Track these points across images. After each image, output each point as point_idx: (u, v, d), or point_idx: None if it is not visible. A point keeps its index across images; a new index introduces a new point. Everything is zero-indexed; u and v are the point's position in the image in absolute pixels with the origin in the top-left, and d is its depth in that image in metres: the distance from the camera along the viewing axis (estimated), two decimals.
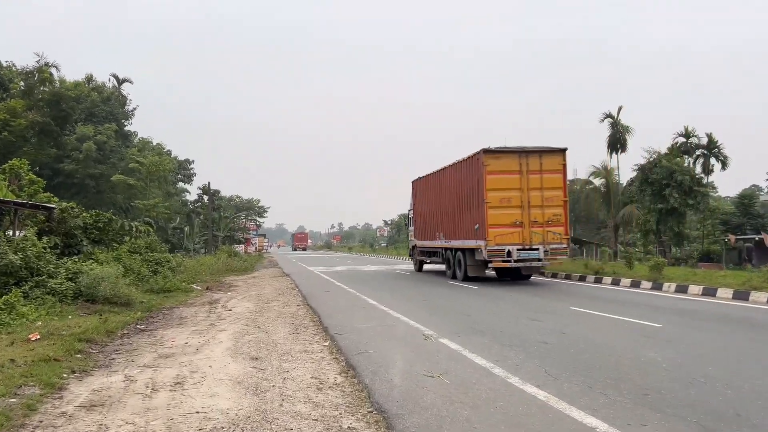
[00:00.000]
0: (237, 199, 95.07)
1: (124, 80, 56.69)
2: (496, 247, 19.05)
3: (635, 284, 18.25)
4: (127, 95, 56.11)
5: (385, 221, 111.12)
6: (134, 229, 19.68)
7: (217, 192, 63.07)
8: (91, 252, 17.99)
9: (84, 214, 18.61)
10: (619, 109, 49.71)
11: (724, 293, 14.94)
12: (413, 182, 28.69)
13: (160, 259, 22.04)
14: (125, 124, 52.75)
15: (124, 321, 12.08)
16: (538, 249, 19.16)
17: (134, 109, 55.87)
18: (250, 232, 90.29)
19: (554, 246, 19.43)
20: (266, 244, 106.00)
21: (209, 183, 55.04)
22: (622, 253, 39.11)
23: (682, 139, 50.37)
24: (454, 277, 22.35)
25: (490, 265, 20.36)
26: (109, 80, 54.92)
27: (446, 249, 23.56)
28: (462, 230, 21.45)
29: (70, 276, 14.02)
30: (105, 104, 45.84)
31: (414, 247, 29.24)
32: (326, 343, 9.56)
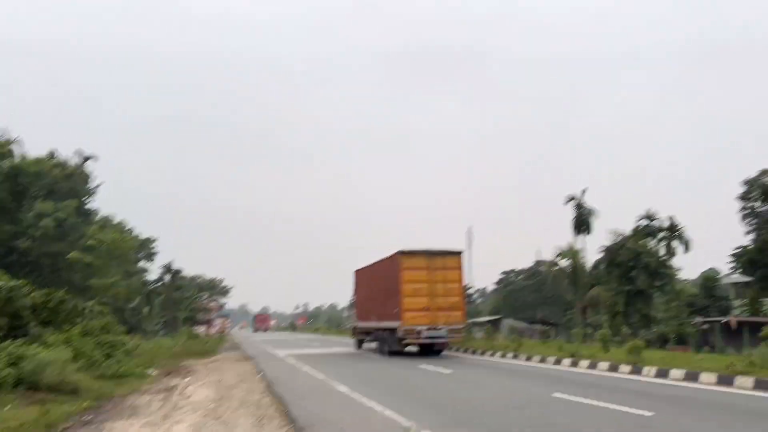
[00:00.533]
0: (200, 279, 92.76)
1: (89, 157, 55.91)
2: (409, 327, 23.70)
3: (614, 368, 17.66)
4: (91, 172, 55.23)
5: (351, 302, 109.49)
6: (88, 310, 18.53)
7: (179, 271, 61.40)
8: (39, 334, 16.72)
9: (34, 294, 17.45)
10: (583, 191, 50.49)
11: (708, 378, 14.42)
12: (355, 272, 33.07)
13: (115, 341, 20.72)
14: (87, 201, 51.56)
15: (69, 412, 10.94)
16: (442, 329, 23.94)
17: (98, 186, 54.77)
18: (213, 312, 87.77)
19: (455, 327, 24.50)
20: (229, 325, 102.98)
21: (171, 262, 53.63)
22: (590, 335, 38.74)
23: (646, 221, 51.19)
24: (382, 352, 26.45)
25: (405, 342, 24.55)
26: (74, 156, 54.18)
27: (377, 329, 27.88)
28: (387, 313, 25.67)
29: (12, 361, 12.82)
30: (67, 180, 44.85)
31: (355, 327, 33.47)
32: None
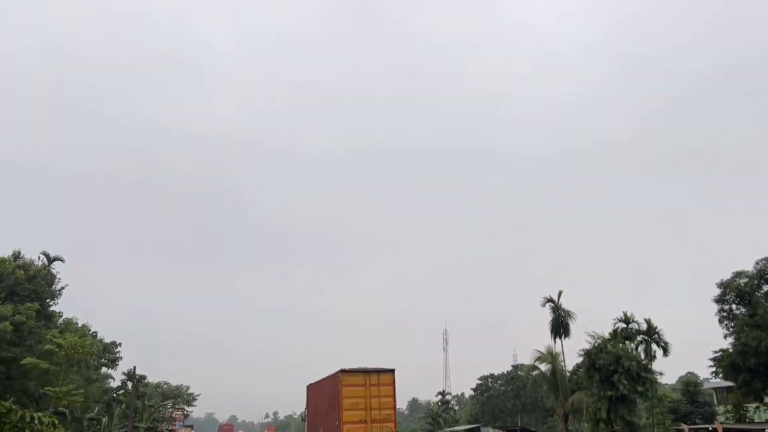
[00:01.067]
0: (165, 386, 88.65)
1: (55, 258, 54.44)
2: None
3: None
4: (56, 273, 53.61)
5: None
6: (37, 421, 16.99)
7: (143, 378, 58.45)
8: None
9: None
10: (560, 293, 50.33)
11: None
12: (307, 386, 36.14)
13: None
14: (51, 303, 49.60)
15: None
16: None
17: (62, 288, 53.03)
18: (177, 422, 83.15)
19: None
20: None
21: (134, 368, 51.06)
22: None
23: (623, 325, 50.77)
24: None
25: None
26: (39, 258, 52.72)
27: None
28: (330, 427, 28.86)
29: None
30: (29, 282, 43.18)
31: None
32: None
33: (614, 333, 45.81)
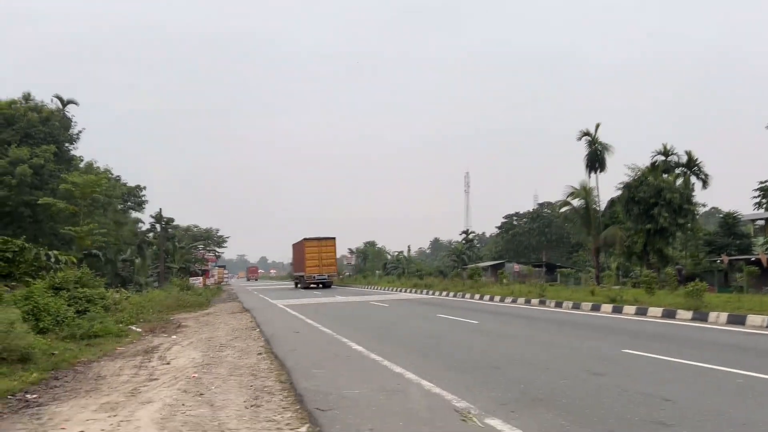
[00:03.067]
0: (194, 229, 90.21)
1: (69, 101, 52.29)
2: (309, 275, 47.41)
3: (670, 314, 15.20)
4: (72, 117, 51.80)
5: (350, 249, 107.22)
6: (54, 260, 15.86)
7: (171, 220, 58.58)
8: None
9: None
10: (597, 126, 47.42)
11: None
12: (293, 244, 57.57)
13: (92, 295, 18.16)
14: (69, 148, 48.33)
15: (5, 389, 8.40)
16: (325, 276, 47.95)
17: (80, 132, 51.42)
18: (209, 263, 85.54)
19: (332, 275, 49.33)
20: (226, 275, 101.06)
21: (161, 210, 50.84)
22: (602, 278, 36.61)
23: (662, 158, 48.35)
24: (296, 287, 52.47)
25: (308, 282, 47.45)
26: (52, 101, 50.63)
27: (298, 276, 52.68)
28: (300, 268, 50.32)
29: None
30: (44, 125, 41.50)
31: (293, 275, 62.30)
32: (303, 429, 6.08)
33: (652, 166, 43.65)
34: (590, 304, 18.60)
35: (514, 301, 23.00)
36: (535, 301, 21.77)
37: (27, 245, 15.45)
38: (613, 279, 35.23)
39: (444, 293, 31.75)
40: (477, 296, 26.76)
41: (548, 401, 6.77)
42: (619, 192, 41.73)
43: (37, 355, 10.66)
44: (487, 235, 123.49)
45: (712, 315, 13.94)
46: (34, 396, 8.42)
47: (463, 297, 28.10)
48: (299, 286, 51.05)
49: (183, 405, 7.39)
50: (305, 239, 49.15)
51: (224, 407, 7.20)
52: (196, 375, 9.53)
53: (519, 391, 7.37)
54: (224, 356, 11.62)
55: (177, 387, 8.63)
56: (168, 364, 11.02)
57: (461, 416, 6.20)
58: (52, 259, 15.87)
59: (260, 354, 11.71)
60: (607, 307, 17.70)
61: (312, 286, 47.67)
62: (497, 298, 24.72)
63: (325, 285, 48.06)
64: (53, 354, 11.54)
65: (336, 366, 9.70)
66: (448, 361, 9.72)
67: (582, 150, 48.39)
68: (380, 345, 11.97)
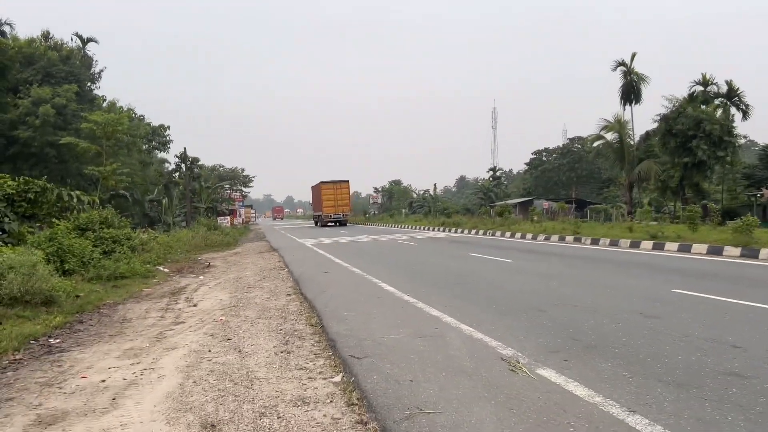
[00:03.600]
0: (220, 169, 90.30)
1: (89, 39, 51.59)
2: (326, 214, 52.42)
3: (715, 251, 14.41)
4: (93, 55, 51.14)
5: (375, 188, 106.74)
6: (76, 200, 15.53)
7: (196, 159, 58.38)
8: (19, 231, 13.87)
9: (9, 182, 14.40)
10: (633, 55, 45.43)
11: None
12: (312, 187, 60.77)
13: (118, 236, 17.95)
14: (92, 87, 47.85)
15: (27, 333, 8.10)
16: (340, 215, 52.67)
17: (101, 71, 50.88)
18: (236, 203, 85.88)
19: (346, 214, 53.42)
20: (253, 215, 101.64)
21: (185, 149, 50.53)
22: (645, 212, 35.61)
23: (700, 88, 46.23)
24: (317, 225, 56.72)
25: (326, 220, 52.43)
26: (72, 39, 49.89)
27: (317, 215, 57.10)
28: (319, 208, 55.25)
29: None
30: (64, 63, 40.89)
31: (313, 215, 65.06)
32: (337, 378, 5.61)
33: (690, 97, 41.77)
34: (629, 240, 17.84)
35: (547, 239, 22.34)
36: (569, 238, 21.08)
37: (49, 185, 15.10)
38: (650, 215, 34.23)
39: (473, 231, 31.16)
40: (508, 234, 26.13)
41: (603, 348, 6.19)
42: (655, 125, 40.17)
43: (61, 298, 10.38)
44: (514, 171, 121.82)
45: (764, 251, 13.14)
46: (57, 341, 8.12)
47: (493, 235, 27.49)
48: (318, 224, 56.43)
49: (209, 351, 7.00)
50: (322, 182, 53.62)
51: (252, 353, 6.78)
52: (223, 318, 9.15)
53: (568, 336, 6.80)
54: (252, 298, 11.26)
55: (203, 331, 8.25)
56: (195, 306, 10.70)
57: (509, 365, 5.66)
58: (75, 200, 15.54)
59: (289, 295, 11.32)
60: (647, 244, 16.95)
61: (330, 224, 52.58)
62: (529, 235, 24.07)
63: (341, 223, 53.13)
64: (78, 296, 11.30)
65: (368, 308, 9.23)
66: (486, 303, 9.17)
67: (615, 82, 46.61)
68: (413, 285, 11.49)
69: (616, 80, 46.48)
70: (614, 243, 18.38)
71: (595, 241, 19.33)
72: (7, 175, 14.84)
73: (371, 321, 8.17)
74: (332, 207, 52.34)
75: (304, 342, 7.25)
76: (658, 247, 16.41)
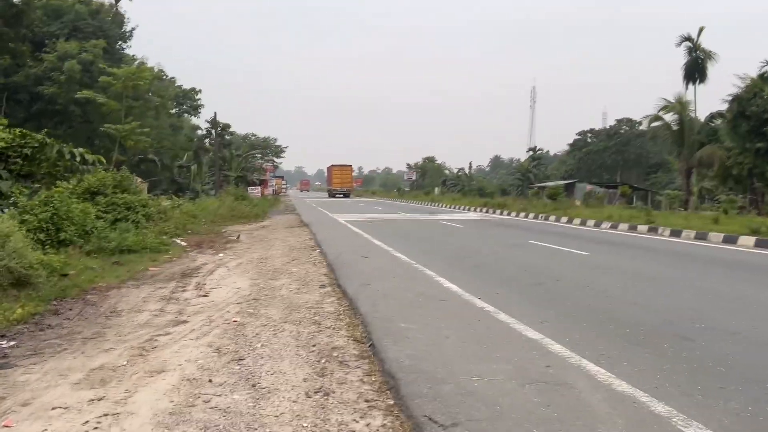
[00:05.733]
0: (252, 137, 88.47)
1: None
2: (333, 189, 72.57)
3: None
4: (125, 13, 49.15)
5: (408, 165, 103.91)
6: (79, 159, 13.45)
7: (227, 126, 56.37)
8: (10, 191, 11.82)
9: (1, 134, 12.30)
10: (700, 30, 41.73)
11: None
12: (327, 167, 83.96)
13: (132, 202, 15.88)
14: (122, 46, 45.97)
15: None
16: (345, 189, 71.73)
17: (133, 29, 48.87)
18: (267, 173, 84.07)
19: (348, 189, 73.00)
20: (284, 186, 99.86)
21: (216, 114, 48.48)
22: (729, 201, 32.54)
23: None
24: (329, 196, 71.69)
25: (333, 193, 71.67)
26: None
27: (330, 189, 75.24)
28: (330, 184, 76.69)
29: None
30: (93, 18, 38.95)
31: (327, 189, 79.34)
32: None
33: (761, 78, 38.07)
34: (721, 235, 15.13)
35: (614, 227, 19.69)
36: (642, 227, 18.39)
37: (48, 140, 12.99)
38: (735, 203, 31.37)
39: (522, 214, 28.52)
40: (564, 219, 23.49)
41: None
42: (724, 106, 36.68)
43: (40, 279, 8.22)
44: (551, 153, 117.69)
45: None
46: (10, 344, 5.95)
47: (546, 220, 24.86)
48: (329, 195, 73.27)
49: (210, 381, 4.73)
50: (332, 165, 76.54)
51: (272, 392, 4.48)
52: (237, 319, 6.88)
53: (734, 381, 4.34)
54: (278, 287, 9.00)
55: (208, 340, 5.99)
56: (205, 296, 8.47)
57: None
58: (78, 158, 13.47)
59: (323, 287, 9.04)
60: (746, 240, 14.24)
61: (337, 195, 69.69)
62: (590, 222, 21.41)
63: (345, 195, 69.76)
64: (65, 276, 9.19)
65: (432, 318, 6.84)
66: (596, 321, 6.64)
67: (675, 60, 43.07)
68: (480, 284, 9.09)
69: (656, 63, 42.84)
70: (701, 236, 15.68)
71: (675, 233, 16.64)
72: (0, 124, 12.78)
73: (444, 343, 5.78)
74: (339, 183, 72.03)
75: (348, 374, 4.93)
76: (762, 244, 13.70)
